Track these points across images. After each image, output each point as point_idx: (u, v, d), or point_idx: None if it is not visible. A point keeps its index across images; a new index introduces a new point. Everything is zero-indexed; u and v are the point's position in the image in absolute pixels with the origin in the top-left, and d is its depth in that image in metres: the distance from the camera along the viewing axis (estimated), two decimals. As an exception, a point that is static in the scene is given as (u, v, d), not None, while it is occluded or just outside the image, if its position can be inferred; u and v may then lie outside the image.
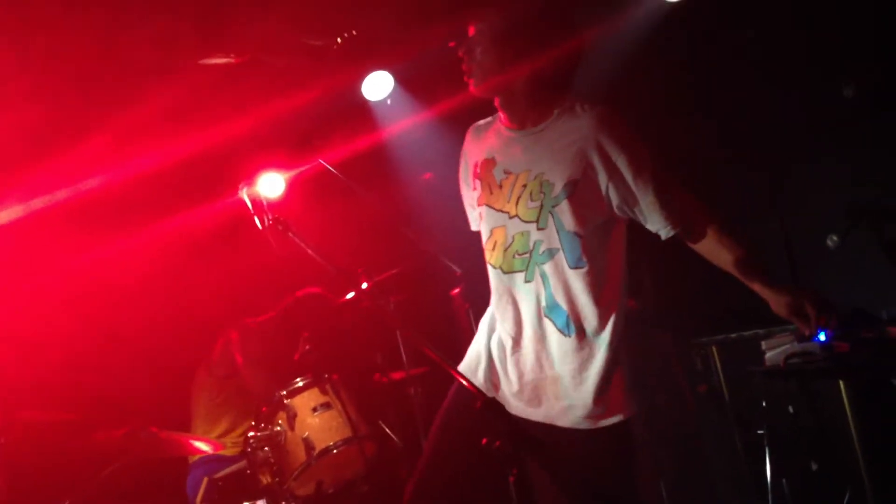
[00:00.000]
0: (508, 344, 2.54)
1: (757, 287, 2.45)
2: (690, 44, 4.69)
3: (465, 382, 2.12)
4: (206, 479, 3.86)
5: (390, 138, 4.73)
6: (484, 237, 2.61)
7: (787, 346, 3.06)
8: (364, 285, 3.87)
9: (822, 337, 2.80)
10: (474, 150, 2.68)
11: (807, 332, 2.43)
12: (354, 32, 4.21)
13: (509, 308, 2.54)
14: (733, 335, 3.99)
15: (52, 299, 4.24)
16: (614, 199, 2.47)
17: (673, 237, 2.50)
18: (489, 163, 2.60)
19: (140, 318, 4.40)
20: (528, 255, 2.50)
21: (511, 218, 2.52)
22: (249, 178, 2.40)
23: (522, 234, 2.51)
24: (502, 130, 2.60)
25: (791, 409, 3.65)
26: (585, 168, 2.44)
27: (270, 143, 4.59)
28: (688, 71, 4.71)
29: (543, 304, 2.48)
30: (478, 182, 2.62)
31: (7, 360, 3.99)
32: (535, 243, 2.49)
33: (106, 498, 3.80)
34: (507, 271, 2.54)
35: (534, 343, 2.50)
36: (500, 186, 2.55)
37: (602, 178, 2.45)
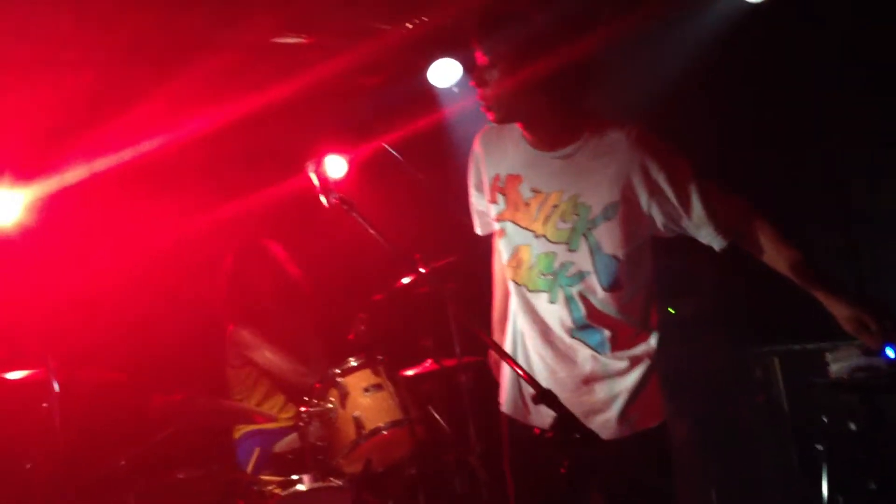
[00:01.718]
0: (537, 362, 2.53)
1: (819, 296, 2.39)
2: (767, 47, 4.59)
3: (520, 371, 2.11)
4: (257, 450, 3.92)
5: (454, 125, 4.71)
6: (507, 254, 2.56)
7: (854, 359, 2.99)
8: (422, 270, 3.90)
9: (889, 353, 2.72)
10: (492, 159, 2.59)
11: (873, 347, 2.36)
12: (425, 18, 4.19)
13: (535, 327, 2.52)
14: (797, 346, 3.91)
15: (118, 260, 4.30)
16: (658, 218, 2.43)
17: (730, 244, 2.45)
18: (515, 178, 2.53)
19: (201, 284, 4.45)
20: (552, 276, 2.47)
21: (537, 237, 2.48)
22: (317, 156, 2.40)
23: (548, 254, 2.47)
24: (527, 147, 2.52)
25: (852, 426, 3.57)
26: (624, 189, 2.39)
27: (336, 124, 4.62)
28: (760, 75, 4.61)
29: (571, 324, 2.47)
30: (500, 196, 2.56)
31: (70, 319, 4.09)
32: (561, 265, 2.45)
33: (159, 461, 3.88)
34: (532, 290, 2.51)
35: (564, 362, 2.49)
36: (527, 204, 2.50)
37: (643, 198, 2.40)
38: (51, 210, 3.93)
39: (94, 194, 4.24)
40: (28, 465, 3.67)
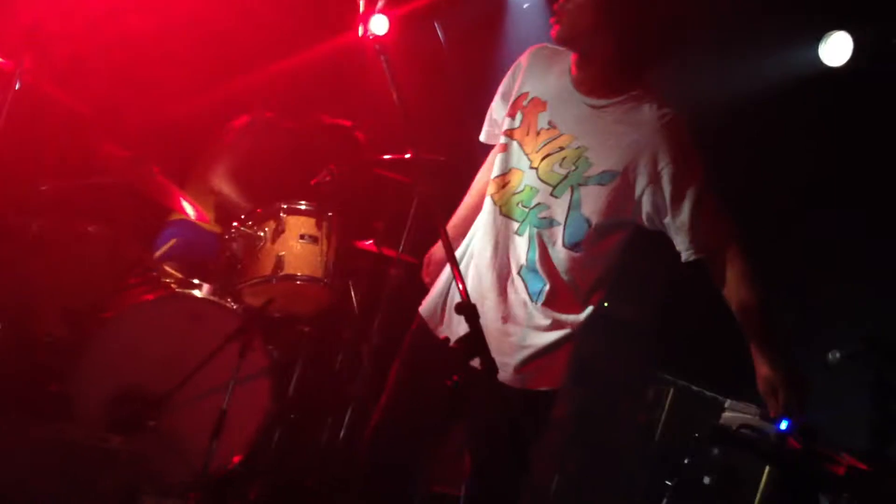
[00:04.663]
0: (473, 282, 2.52)
1: (752, 347, 2.42)
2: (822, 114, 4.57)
3: (460, 286, 2.08)
4: (174, 241, 3.90)
5: (508, 41, 4.62)
6: (498, 170, 2.54)
7: (749, 417, 3.07)
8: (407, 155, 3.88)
9: (783, 425, 2.80)
10: (531, 77, 2.56)
11: (771, 414, 2.42)
12: None
13: (489, 247, 2.51)
14: (696, 388, 4.01)
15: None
16: (646, 206, 2.41)
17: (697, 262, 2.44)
18: (540, 104, 2.50)
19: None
20: (527, 210, 2.46)
21: (531, 168, 2.47)
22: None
23: (532, 189, 2.46)
24: (567, 82, 2.49)
25: (706, 480, 3.69)
26: (629, 164, 2.38)
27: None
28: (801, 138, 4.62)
29: (523, 262, 2.47)
30: (519, 114, 2.53)
31: (75, 28, 3.88)
32: (538, 204, 2.44)
33: (79, 206, 3.83)
34: (504, 214, 2.50)
35: (497, 294, 2.49)
36: (538, 133, 2.47)
37: (640, 182, 2.39)
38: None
39: None
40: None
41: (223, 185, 4.08)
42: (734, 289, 2.43)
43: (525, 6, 4.65)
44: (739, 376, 2.65)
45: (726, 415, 3.21)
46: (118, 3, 4.05)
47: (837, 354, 3.25)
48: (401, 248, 4.14)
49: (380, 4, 2.34)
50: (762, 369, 2.39)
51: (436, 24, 3.73)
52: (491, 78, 2.76)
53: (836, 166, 4.43)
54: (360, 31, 2.31)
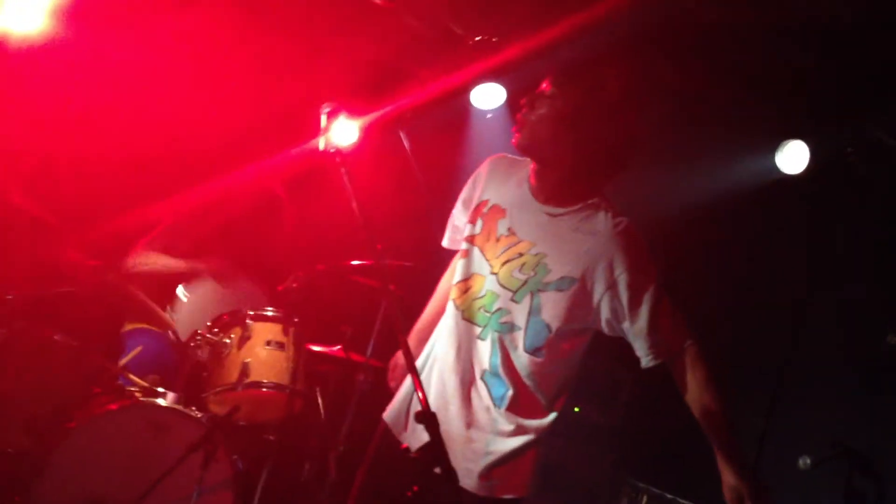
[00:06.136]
0: (436, 388, 2.51)
1: (717, 454, 2.41)
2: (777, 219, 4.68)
3: (420, 394, 2.08)
4: (140, 349, 3.86)
5: (471, 147, 4.74)
6: (460, 276, 2.57)
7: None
8: (371, 262, 3.90)
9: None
10: (491, 185, 2.62)
11: None
12: (494, 39, 4.20)
13: (452, 352, 2.51)
14: (669, 495, 3.95)
15: (123, 101, 4.12)
16: (604, 313, 2.44)
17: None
18: (499, 211, 2.56)
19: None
20: (489, 315, 2.48)
21: (492, 274, 2.50)
22: (337, 103, 2.41)
23: (493, 294, 2.48)
24: (525, 190, 2.55)
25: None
26: (586, 272, 2.42)
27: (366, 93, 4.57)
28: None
29: (486, 366, 2.47)
30: (480, 221, 2.58)
31: (42, 142, 3.94)
32: (499, 309, 2.46)
33: (44, 315, 3.80)
34: (466, 319, 2.51)
35: (461, 399, 2.48)
36: (498, 240, 2.52)
37: (598, 289, 2.43)
38: (76, 24, 3.77)
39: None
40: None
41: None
42: (696, 394, 2.44)
43: (488, 116, 4.79)
44: (709, 482, 2.62)
45: (694, 523, 3.16)
46: (85, 114, 4.11)
47: (808, 460, 3.26)
48: (369, 352, 4.12)
49: (340, 118, 2.41)
50: (728, 478, 2.37)
51: (401, 133, 3.83)
52: (456, 184, 2.81)
53: (796, 271, 4.51)
54: (322, 144, 2.37)
